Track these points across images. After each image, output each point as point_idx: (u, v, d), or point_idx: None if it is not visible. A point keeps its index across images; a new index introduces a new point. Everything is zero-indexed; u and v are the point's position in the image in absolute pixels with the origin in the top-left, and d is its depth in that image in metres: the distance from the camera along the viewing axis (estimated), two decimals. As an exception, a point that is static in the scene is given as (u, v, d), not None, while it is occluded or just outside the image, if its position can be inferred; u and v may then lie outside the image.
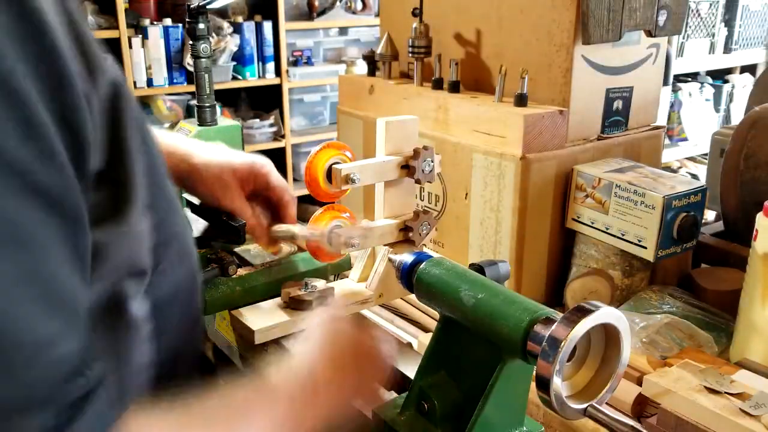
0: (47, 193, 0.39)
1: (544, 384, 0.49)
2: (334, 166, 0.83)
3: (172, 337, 0.60)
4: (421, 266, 0.64)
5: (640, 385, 0.78)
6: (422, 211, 0.90)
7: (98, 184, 0.45)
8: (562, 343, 0.48)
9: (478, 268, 0.64)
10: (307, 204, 1.53)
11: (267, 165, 0.86)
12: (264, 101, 3.45)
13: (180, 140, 0.86)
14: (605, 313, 0.50)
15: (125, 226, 0.48)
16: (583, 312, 0.49)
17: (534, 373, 0.52)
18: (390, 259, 0.69)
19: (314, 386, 0.59)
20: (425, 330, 1.01)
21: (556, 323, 0.50)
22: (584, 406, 0.52)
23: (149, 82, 2.96)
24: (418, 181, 0.88)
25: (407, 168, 0.87)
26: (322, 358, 0.62)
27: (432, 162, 0.87)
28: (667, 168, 2.91)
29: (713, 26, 3.23)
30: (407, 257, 0.66)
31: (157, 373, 0.55)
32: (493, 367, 0.56)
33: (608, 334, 0.52)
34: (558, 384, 0.49)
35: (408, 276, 0.65)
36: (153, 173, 0.56)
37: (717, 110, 3.51)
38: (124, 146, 0.49)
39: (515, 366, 0.56)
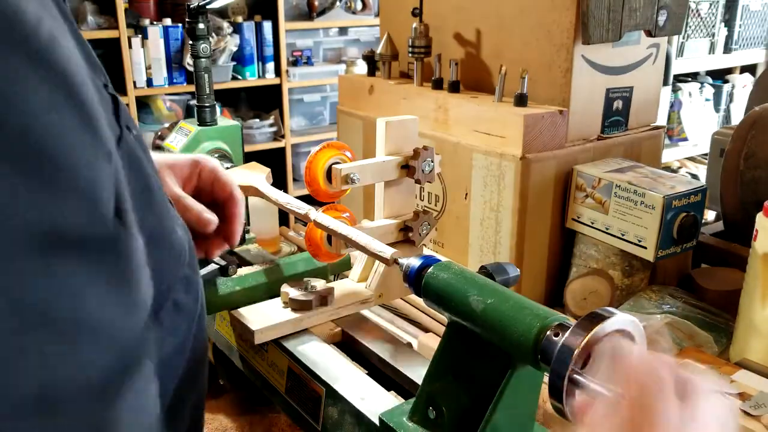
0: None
1: (557, 392, 0.48)
2: (333, 166, 0.83)
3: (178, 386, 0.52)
4: (429, 270, 0.62)
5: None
6: (422, 211, 0.90)
7: None
8: (576, 351, 0.47)
9: (487, 273, 0.63)
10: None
11: (212, 161, 0.75)
12: (264, 101, 3.45)
13: None
14: (620, 320, 0.49)
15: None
16: (597, 318, 0.48)
17: (545, 380, 0.51)
18: (397, 263, 0.68)
19: None
20: (425, 330, 1.01)
21: (569, 330, 0.49)
22: None
23: (149, 82, 2.96)
24: (418, 181, 0.87)
25: (407, 168, 0.87)
26: None
27: (432, 162, 0.87)
28: (667, 168, 2.90)
29: (713, 26, 3.23)
30: (414, 261, 0.64)
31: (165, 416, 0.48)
32: (502, 373, 0.55)
33: None
34: (572, 393, 0.48)
35: (416, 280, 0.63)
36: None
37: (717, 110, 3.51)
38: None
39: (525, 373, 0.55)
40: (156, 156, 0.69)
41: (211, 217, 0.70)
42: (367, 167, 0.84)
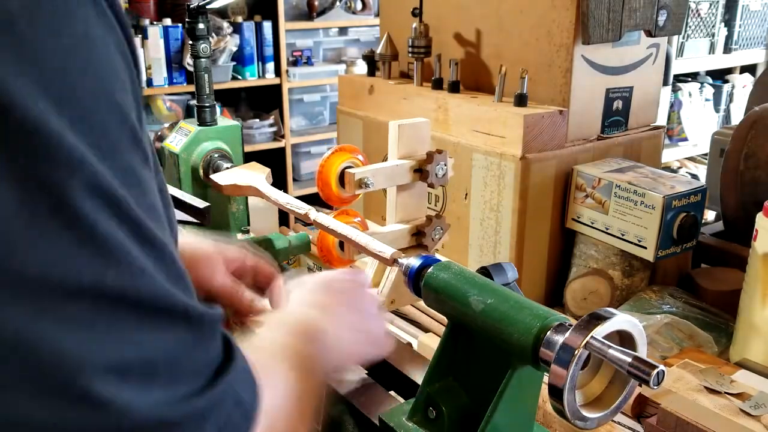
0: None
1: (557, 393, 0.48)
2: (346, 170, 0.82)
3: None
4: (429, 270, 0.62)
5: (640, 385, 0.77)
6: (435, 215, 0.89)
7: None
8: (576, 351, 0.47)
9: (486, 272, 0.63)
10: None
11: (251, 252, 0.77)
12: (264, 101, 3.45)
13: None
14: (620, 321, 0.49)
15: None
16: (598, 319, 0.48)
17: (545, 380, 0.51)
18: (397, 263, 0.68)
19: (316, 336, 0.55)
20: (425, 330, 1.01)
21: (570, 330, 0.49)
22: (598, 415, 0.51)
23: (149, 82, 2.96)
24: (431, 185, 0.86)
25: (420, 172, 0.86)
26: (313, 305, 0.59)
27: (445, 166, 0.86)
28: (667, 168, 2.90)
29: (713, 26, 3.23)
30: (414, 261, 0.64)
31: None
32: (502, 373, 0.55)
33: (623, 343, 0.51)
34: (572, 393, 0.48)
35: (415, 280, 0.63)
36: None
37: (717, 110, 3.51)
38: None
39: (525, 372, 0.55)
40: (210, 244, 0.73)
41: (261, 307, 0.74)
42: (380, 171, 0.83)
